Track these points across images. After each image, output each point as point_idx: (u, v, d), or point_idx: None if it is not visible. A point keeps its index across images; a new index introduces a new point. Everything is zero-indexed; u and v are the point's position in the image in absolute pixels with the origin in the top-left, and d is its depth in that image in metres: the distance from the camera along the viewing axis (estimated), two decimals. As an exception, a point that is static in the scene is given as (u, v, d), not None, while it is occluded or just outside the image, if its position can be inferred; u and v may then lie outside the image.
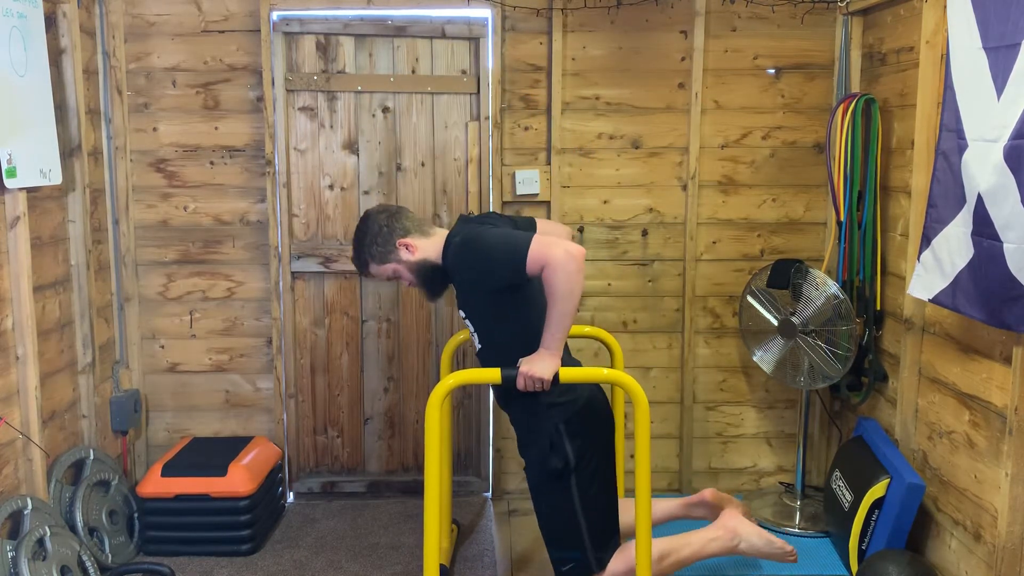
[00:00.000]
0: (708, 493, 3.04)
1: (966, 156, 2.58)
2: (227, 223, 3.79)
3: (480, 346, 2.76)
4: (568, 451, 2.63)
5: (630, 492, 2.94)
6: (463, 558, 3.38)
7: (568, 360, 2.71)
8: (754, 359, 3.70)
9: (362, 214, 2.87)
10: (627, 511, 2.84)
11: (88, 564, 2.96)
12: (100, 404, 3.51)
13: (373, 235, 2.77)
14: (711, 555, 2.85)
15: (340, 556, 3.40)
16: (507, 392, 2.66)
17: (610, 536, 2.73)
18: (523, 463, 2.81)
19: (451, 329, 3.90)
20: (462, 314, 2.78)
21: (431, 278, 2.79)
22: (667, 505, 3.11)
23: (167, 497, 3.39)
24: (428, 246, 2.77)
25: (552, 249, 2.46)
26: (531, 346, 2.56)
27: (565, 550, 2.70)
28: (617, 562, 2.70)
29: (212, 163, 3.75)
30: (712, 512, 3.04)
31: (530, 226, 2.87)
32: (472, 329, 2.75)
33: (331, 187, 3.80)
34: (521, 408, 2.73)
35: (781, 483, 3.94)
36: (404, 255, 2.76)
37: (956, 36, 2.69)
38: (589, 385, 2.70)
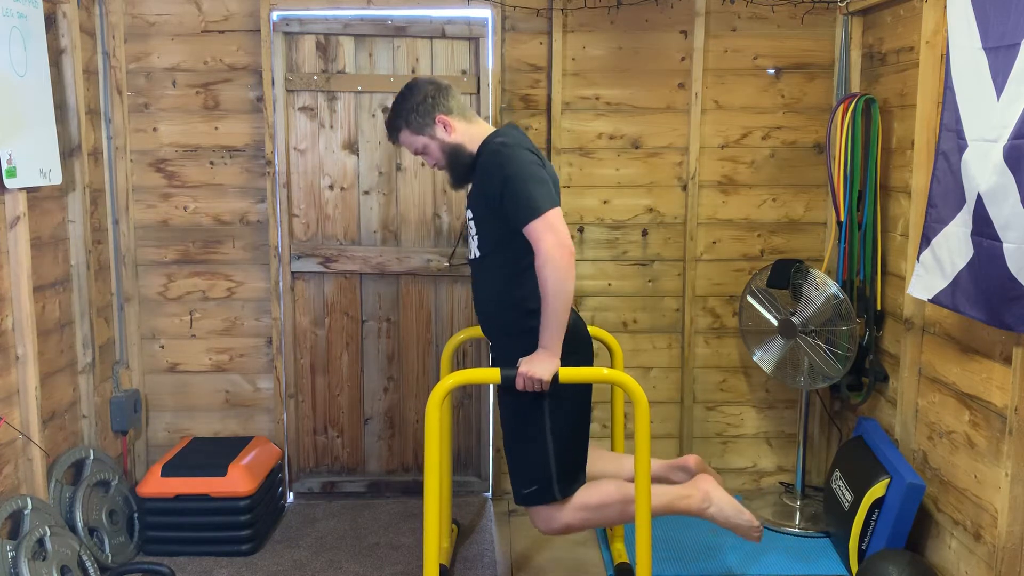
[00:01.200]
0: (692, 459, 2.99)
1: (966, 156, 2.58)
2: (227, 223, 3.79)
3: (475, 255, 2.72)
4: None
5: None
6: (463, 558, 3.38)
7: (578, 322, 2.71)
8: (754, 359, 3.70)
9: (410, 80, 2.79)
10: (598, 461, 2.83)
11: (88, 564, 2.96)
12: (100, 404, 3.51)
13: (416, 103, 2.70)
14: (680, 512, 2.78)
15: (340, 556, 3.40)
16: (489, 308, 2.66)
17: (577, 469, 2.71)
18: (498, 388, 2.77)
19: (451, 329, 3.90)
20: (468, 214, 2.73)
21: (459, 163, 2.73)
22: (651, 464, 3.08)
23: (167, 497, 3.39)
24: (466, 132, 2.70)
25: (548, 234, 2.45)
26: (522, 283, 2.54)
27: (529, 475, 2.67)
28: (587, 494, 2.67)
29: (212, 163, 3.75)
30: (692, 479, 3.01)
31: (558, 190, 2.77)
32: (473, 232, 2.71)
33: (331, 187, 3.80)
34: (503, 326, 2.71)
35: (781, 483, 3.94)
36: (440, 132, 2.70)
37: (956, 36, 2.69)
38: (572, 313, 2.68)
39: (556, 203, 2.55)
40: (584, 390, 2.72)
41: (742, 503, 3.83)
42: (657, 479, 3.00)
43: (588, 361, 2.76)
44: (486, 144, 2.66)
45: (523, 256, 2.57)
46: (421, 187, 3.81)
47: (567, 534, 2.82)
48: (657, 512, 2.71)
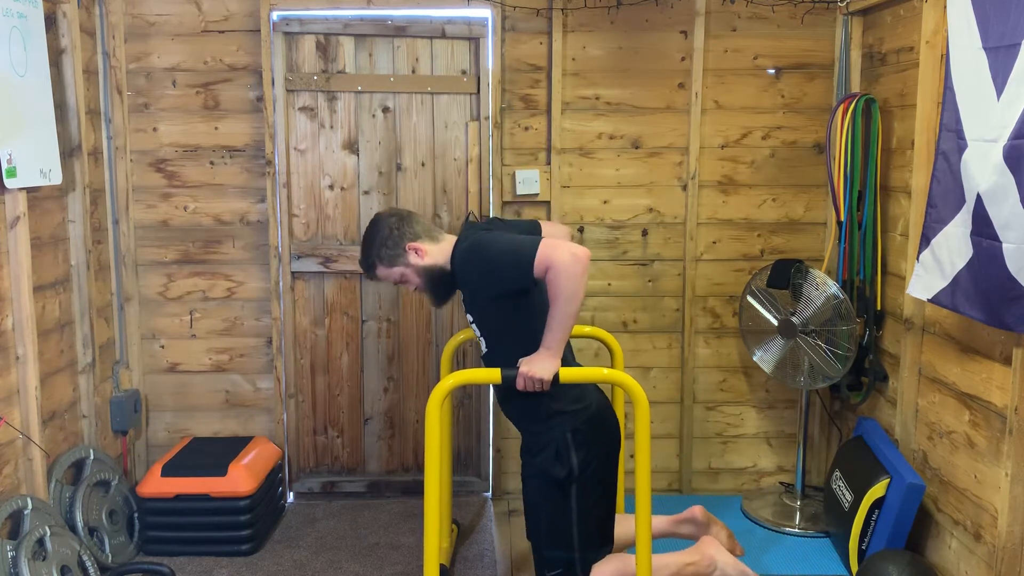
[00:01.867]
0: (698, 511, 3.02)
1: (966, 156, 2.58)
2: (227, 223, 3.79)
3: (486, 350, 2.75)
4: (573, 460, 2.62)
5: (630, 492, 2.95)
6: (463, 558, 3.38)
7: (570, 361, 2.71)
8: (754, 359, 3.70)
9: (372, 217, 2.86)
10: (622, 524, 2.84)
11: (88, 564, 2.96)
12: (100, 404, 3.51)
13: (383, 238, 2.76)
14: None
15: (340, 556, 3.40)
16: (509, 393, 2.66)
17: (601, 545, 2.73)
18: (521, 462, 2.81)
19: (451, 329, 3.90)
20: (469, 318, 2.77)
21: (438, 283, 2.78)
22: (655, 523, 3.10)
23: (167, 497, 3.39)
24: (437, 251, 2.76)
25: (557, 252, 2.46)
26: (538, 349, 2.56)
27: (554, 554, 2.69)
28: (602, 568, 2.69)
29: (212, 163, 3.75)
30: (699, 530, 3.03)
31: (535, 230, 2.87)
32: (479, 333, 2.75)
33: (331, 187, 3.80)
34: (525, 412, 2.72)
35: (781, 483, 3.94)
36: (413, 259, 2.75)
37: (956, 36, 2.69)
38: (598, 394, 2.70)
39: (538, 237, 2.58)
40: (611, 469, 2.72)
41: (742, 503, 3.83)
42: (664, 534, 3.04)
43: (615, 450, 2.73)
44: (455, 252, 2.71)
45: (531, 334, 2.58)
46: (421, 187, 3.81)
47: None
48: None
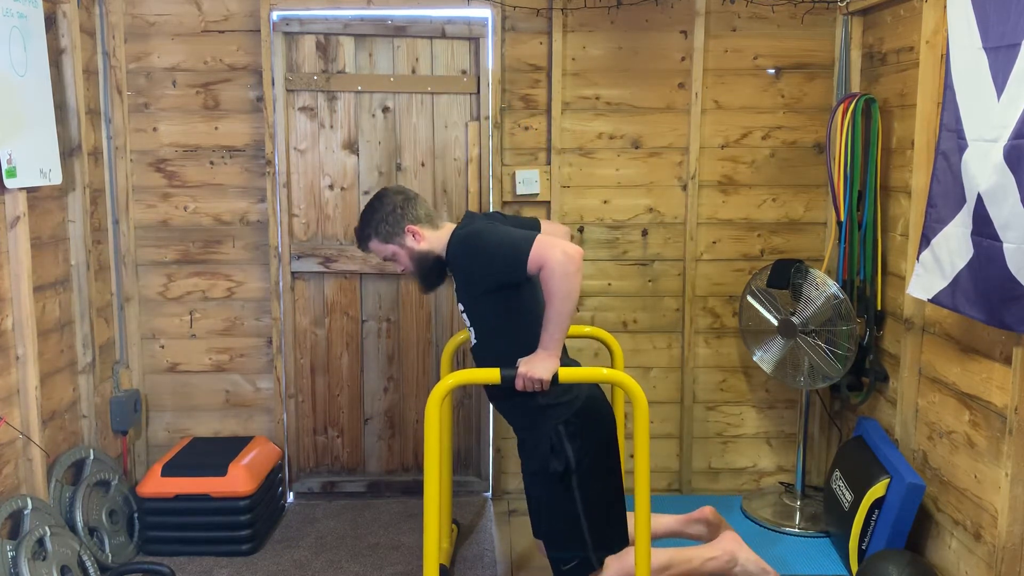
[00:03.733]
0: (708, 511, 3.03)
1: (966, 156, 2.58)
2: (227, 223, 3.79)
3: (476, 341, 2.75)
4: (568, 453, 2.62)
5: (629, 492, 2.95)
6: (463, 558, 3.38)
7: (566, 361, 2.71)
8: (754, 359, 3.70)
9: (379, 190, 2.85)
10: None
11: (88, 564, 2.96)
12: (100, 404, 3.51)
13: (385, 213, 2.75)
14: (707, 574, 2.84)
15: (340, 556, 3.40)
16: (500, 391, 2.66)
17: (615, 535, 2.72)
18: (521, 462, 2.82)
19: (451, 329, 3.90)
20: (460, 307, 2.77)
21: (429, 270, 2.79)
22: (665, 521, 3.10)
23: (167, 497, 3.39)
24: (434, 238, 2.76)
25: (551, 250, 2.46)
26: (527, 345, 2.55)
27: (566, 550, 2.70)
28: (621, 562, 2.69)
29: (212, 163, 3.75)
30: (709, 530, 3.04)
31: (534, 226, 2.87)
32: (469, 324, 2.75)
33: (331, 187, 3.80)
34: (516, 408, 2.73)
35: (781, 483, 3.94)
36: (409, 241, 2.75)
37: (956, 36, 2.69)
38: (587, 384, 2.70)
39: (535, 233, 2.58)
40: (610, 459, 2.72)
41: (742, 503, 3.83)
42: (673, 534, 3.04)
43: (611, 438, 2.73)
44: (451, 241, 2.71)
45: (521, 330, 2.59)
46: (421, 187, 3.81)
47: None
48: None
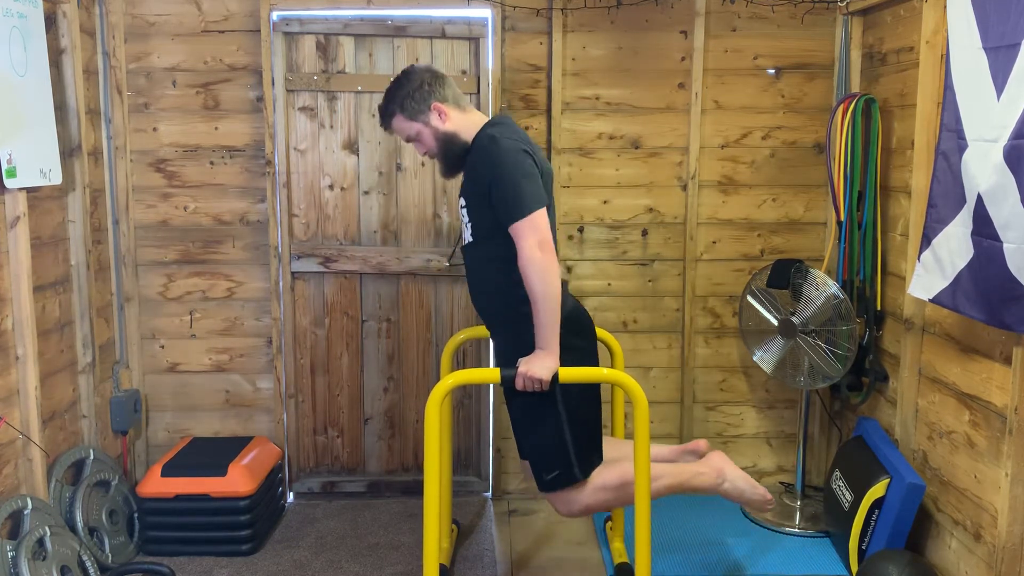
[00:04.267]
0: (702, 443, 3.00)
1: (966, 156, 2.58)
2: (227, 223, 3.79)
3: (471, 239, 2.73)
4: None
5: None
6: (463, 558, 3.38)
7: (578, 307, 2.74)
8: (754, 359, 3.70)
9: (406, 67, 2.79)
10: (608, 448, 2.84)
11: (88, 564, 2.96)
12: (100, 404, 3.51)
13: (412, 88, 2.70)
14: (696, 489, 2.81)
15: (340, 556, 3.40)
16: (485, 294, 2.68)
17: (594, 447, 2.72)
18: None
19: (451, 329, 3.90)
20: (461, 201, 2.74)
21: (452, 153, 2.73)
22: (660, 450, 3.08)
23: (167, 497, 3.39)
24: (460, 121, 2.71)
25: (528, 239, 2.48)
26: (515, 267, 2.53)
27: (549, 460, 2.68)
28: (606, 474, 2.69)
29: (212, 163, 3.75)
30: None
31: (549, 188, 2.74)
32: (467, 219, 2.72)
33: (331, 187, 3.80)
34: (499, 314, 2.72)
35: (781, 483, 3.94)
36: (434, 120, 2.70)
37: (956, 36, 2.69)
38: (570, 297, 2.71)
39: (543, 201, 2.55)
40: (588, 361, 2.72)
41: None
42: (668, 461, 3.01)
43: (592, 346, 2.77)
44: (479, 135, 2.67)
45: (511, 250, 2.58)
46: (421, 187, 3.81)
47: (586, 515, 2.84)
48: (673, 490, 2.75)
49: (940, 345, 3.00)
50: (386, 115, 2.76)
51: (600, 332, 3.25)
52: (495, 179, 2.55)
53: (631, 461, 2.73)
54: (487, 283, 2.72)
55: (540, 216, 2.51)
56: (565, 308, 2.60)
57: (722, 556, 3.37)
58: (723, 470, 2.83)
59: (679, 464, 2.85)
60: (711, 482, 2.81)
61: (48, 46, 3.07)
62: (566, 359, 2.57)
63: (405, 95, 2.70)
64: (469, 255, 2.76)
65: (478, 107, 3.73)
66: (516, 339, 2.64)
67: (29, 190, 2.96)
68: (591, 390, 2.73)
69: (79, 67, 3.30)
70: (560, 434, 2.65)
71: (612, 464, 2.75)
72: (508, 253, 2.55)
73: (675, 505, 3.75)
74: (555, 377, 2.54)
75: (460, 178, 2.80)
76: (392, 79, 2.78)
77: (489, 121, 2.73)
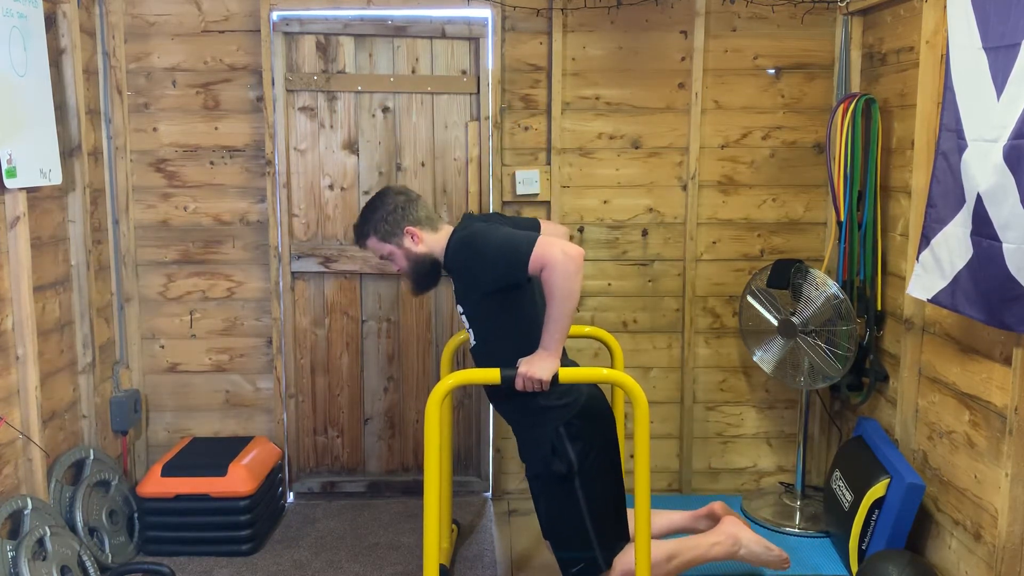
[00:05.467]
0: (718, 506, 3.07)
1: (966, 156, 2.58)
2: (227, 223, 3.79)
3: (475, 343, 2.76)
4: (570, 454, 2.63)
5: (629, 491, 2.94)
6: (463, 558, 3.38)
7: (565, 362, 2.71)
8: (754, 359, 3.70)
9: (381, 188, 2.87)
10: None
11: (88, 564, 2.96)
12: (100, 404, 3.51)
13: (386, 212, 2.77)
14: (713, 559, 2.89)
15: (340, 556, 3.40)
16: (500, 391, 2.66)
17: (618, 535, 2.74)
18: (523, 465, 2.82)
19: (451, 329, 3.90)
20: (460, 309, 2.78)
21: (423, 273, 2.80)
22: (673, 517, 3.13)
23: (167, 497, 3.39)
24: (433, 241, 2.78)
25: (551, 249, 2.47)
26: (527, 346, 2.55)
27: (573, 551, 2.70)
28: (629, 558, 2.70)
29: (212, 163, 3.75)
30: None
31: (533, 227, 2.87)
32: (468, 325, 2.76)
33: (331, 187, 3.80)
34: (516, 409, 2.73)
35: (781, 483, 3.94)
36: (407, 242, 2.77)
37: (956, 36, 2.69)
38: (586, 385, 2.71)
39: (535, 234, 2.58)
40: (612, 458, 2.73)
41: (742, 503, 3.83)
42: (684, 530, 3.08)
43: (612, 438, 2.74)
44: (450, 244, 2.72)
45: (521, 331, 2.60)
46: (421, 187, 3.81)
47: None
48: (692, 563, 2.82)
49: (940, 345, 3.00)
50: (360, 236, 2.84)
51: (600, 332, 3.26)
52: (485, 260, 2.58)
53: (655, 544, 2.73)
54: (502, 387, 2.67)
55: (545, 239, 2.51)
56: (581, 398, 2.64)
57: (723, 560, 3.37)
58: (738, 537, 2.89)
59: (694, 540, 2.88)
60: (727, 551, 2.88)
61: (48, 46, 3.07)
62: (585, 453, 2.62)
63: (379, 219, 2.78)
64: (477, 357, 2.77)
65: (478, 107, 3.74)
66: (536, 432, 2.66)
67: (29, 190, 2.96)
68: (611, 467, 2.72)
69: (79, 67, 3.30)
70: (581, 524, 2.66)
71: (625, 554, 2.73)
72: (515, 349, 2.57)
73: (675, 505, 3.74)
74: (573, 474, 2.59)
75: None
76: (366, 202, 2.86)
77: (454, 229, 2.77)
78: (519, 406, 2.69)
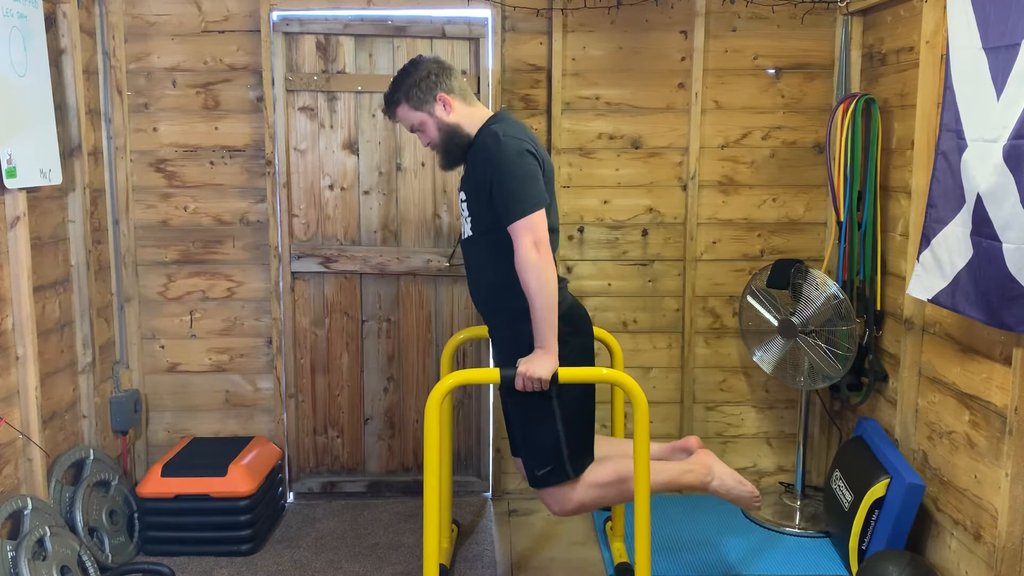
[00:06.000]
0: (693, 440, 3.01)
1: (966, 156, 2.58)
2: (227, 223, 3.79)
3: (470, 233, 2.73)
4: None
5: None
6: (463, 558, 3.38)
7: (575, 304, 2.74)
8: (754, 359, 3.70)
9: (414, 57, 2.79)
10: (602, 446, 2.84)
11: (88, 564, 2.96)
12: (100, 404, 3.51)
13: (419, 78, 2.70)
14: (684, 486, 2.82)
15: (340, 556, 3.40)
16: (484, 295, 2.68)
17: (586, 445, 2.73)
18: (502, 388, 2.77)
19: (451, 329, 3.90)
20: (462, 195, 2.74)
21: (454, 145, 2.73)
22: (653, 447, 3.08)
23: (167, 497, 3.39)
24: (465, 114, 2.71)
25: (525, 238, 2.49)
26: (513, 261, 2.54)
27: (542, 456, 2.69)
28: (599, 470, 2.70)
29: (212, 163, 3.75)
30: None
31: (550, 180, 2.74)
32: (466, 214, 2.72)
33: (331, 187, 3.80)
34: (505, 320, 2.72)
35: (781, 483, 3.94)
36: (439, 110, 2.70)
37: (956, 36, 2.69)
38: (568, 295, 2.72)
39: (543, 203, 2.56)
40: (588, 363, 2.73)
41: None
42: (659, 459, 3.02)
43: (589, 342, 2.77)
44: (483, 130, 2.67)
45: (510, 242, 2.58)
46: (421, 187, 3.81)
47: (579, 514, 2.84)
48: (661, 488, 2.76)
49: (940, 345, 3.00)
50: (391, 103, 2.76)
51: (600, 332, 3.25)
52: (497, 177, 2.56)
53: (624, 458, 2.75)
54: (486, 277, 2.73)
55: (538, 217, 2.52)
56: (563, 305, 2.61)
57: (722, 556, 3.37)
58: (711, 467, 2.84)
59: (667, 462, 2.86)
60: (699, 479, 2.82)
61: (48, 46, 3.07)
62: (563, 355, 2.58)
63: (411, 84, 2.70)
64: (469, 250, 2.77)
65: (478, 107, 3.74)
66: (515, 335, 2.65)
67: (29, 190, 2.96)
68: (587, 390, 2.73)
69: (79, 67, 3.30)
70: (554, 432, 2.66)
71: (605, 460, 2.76)
72: (508, 247, 2.56)
73: (675, 505, 3.75)
74: (554, 376, 2.54)
75: (460, 174, 2.81)
76: (399, 69, 2.78)
77: (493, 116, 2.72)
78: (501, 303, 2.68)
